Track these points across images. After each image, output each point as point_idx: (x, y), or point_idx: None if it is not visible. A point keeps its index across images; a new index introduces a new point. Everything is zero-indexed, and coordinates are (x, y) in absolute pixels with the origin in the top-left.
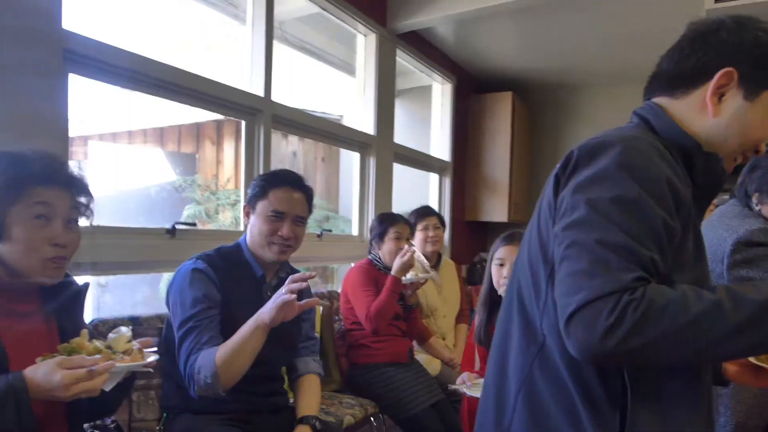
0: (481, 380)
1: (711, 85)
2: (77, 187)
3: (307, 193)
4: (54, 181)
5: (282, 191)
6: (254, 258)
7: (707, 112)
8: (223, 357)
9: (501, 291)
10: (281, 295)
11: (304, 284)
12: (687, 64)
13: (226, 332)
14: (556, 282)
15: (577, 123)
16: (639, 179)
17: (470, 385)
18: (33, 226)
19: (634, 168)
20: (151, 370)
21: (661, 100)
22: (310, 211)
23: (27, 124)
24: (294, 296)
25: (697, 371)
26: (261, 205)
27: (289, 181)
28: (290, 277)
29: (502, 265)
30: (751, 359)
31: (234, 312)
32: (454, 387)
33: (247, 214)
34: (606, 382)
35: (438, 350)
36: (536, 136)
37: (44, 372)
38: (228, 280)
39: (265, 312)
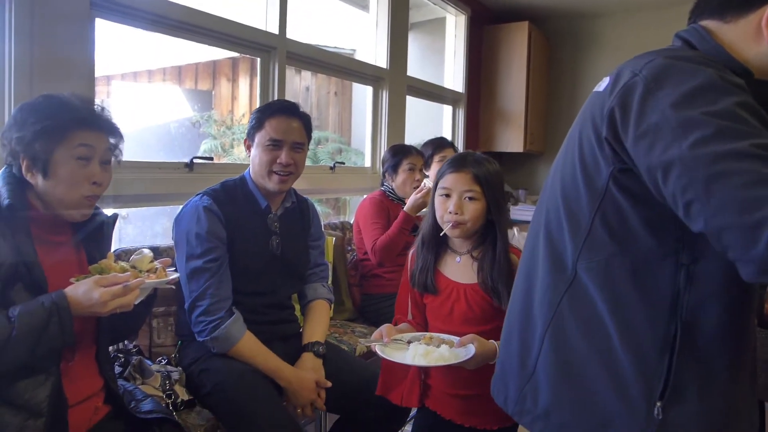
0: (405, 335)
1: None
2: (112, 130)
3: (304, 120)
4: (95, 125)
5: (277, 120)
6: (258, 190)
7: (763, 39)
8: (239, 351)
9: (446, 228)
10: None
11: None
12: None
13: (233, 266)
14: (717, 207)
15: (598, 52)
16: (735, 85)
17: (386, 342)
18: (76, 165)
19: (725, 77)
20: (173, 287)
21: (708, 24)
22: (309, 137)
23: (57, 66)
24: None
25: (749, 316)
26: (259, 136)
27: (284, 109)
28: None
29: (448, 195)
30: None
31: (240, 245)
32: (366, 343)
33: (248, 148)
34: (656, 324)
35: None
36: (554, 65)
37: (84, 290)
38: (233, 213)
39: (291, 379)
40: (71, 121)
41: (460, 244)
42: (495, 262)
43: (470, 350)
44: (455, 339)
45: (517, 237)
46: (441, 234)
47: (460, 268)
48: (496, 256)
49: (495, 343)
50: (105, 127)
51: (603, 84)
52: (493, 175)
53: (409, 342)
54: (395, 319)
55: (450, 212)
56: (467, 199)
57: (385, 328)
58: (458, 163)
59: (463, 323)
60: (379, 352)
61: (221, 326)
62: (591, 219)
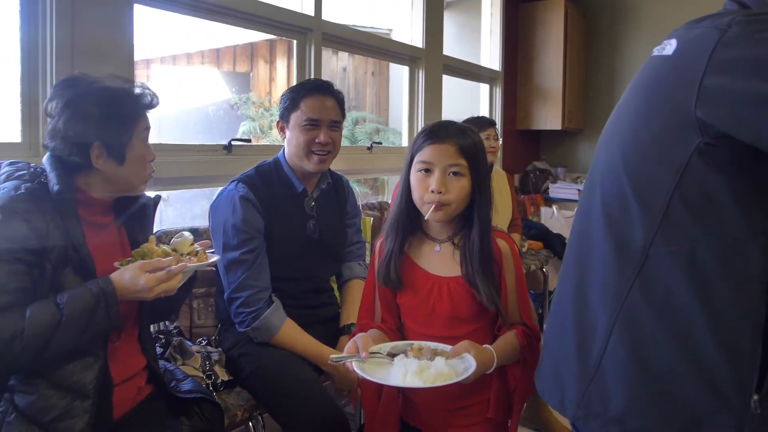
0: (384, 346)
1: None
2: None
3: (338, 98)
4: (149, 108)
5: (312, 99)
6: (294, 173)
7: None
8: (280, 339)
9: (425, 210)
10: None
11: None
12: None
13: (271, 253)
14: None
15: (636, 28)
16: None
17: (364, 357)
18: (144, 147)
19: None
20: (213, 269)
21: None
22: (343, 115)
23: (97, 50)
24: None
25: None
26: (294, 117)
27: (319, 87)
28: None
29: (428, 171)
30: None
31: (277, 232)
32: (339, 360)
33: (281, 130)
34: (747, 310)
35: None
36: (591, 41)
37: (129, 276)
38: (269, 199)
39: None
40: (141, 108)
41: (439, 229)
42: (473, 250)
43: (469, 362)
44: (447, 348)
45: (556, 215)
46: (425, 218)
47: (440, 259)
48: (471, 241)
49: (491, 348)
50: (151, 108)
51: (669, 47)
52: (479, 147)
53: (390, 354)
54: (360, 325)
55: (432, 191)
56: (452, 174)
57: (360, 339)
58: (439, 134)
59: (447, 325)
60: (358, 372)
61: (260, 317)
62: (668, 198)
